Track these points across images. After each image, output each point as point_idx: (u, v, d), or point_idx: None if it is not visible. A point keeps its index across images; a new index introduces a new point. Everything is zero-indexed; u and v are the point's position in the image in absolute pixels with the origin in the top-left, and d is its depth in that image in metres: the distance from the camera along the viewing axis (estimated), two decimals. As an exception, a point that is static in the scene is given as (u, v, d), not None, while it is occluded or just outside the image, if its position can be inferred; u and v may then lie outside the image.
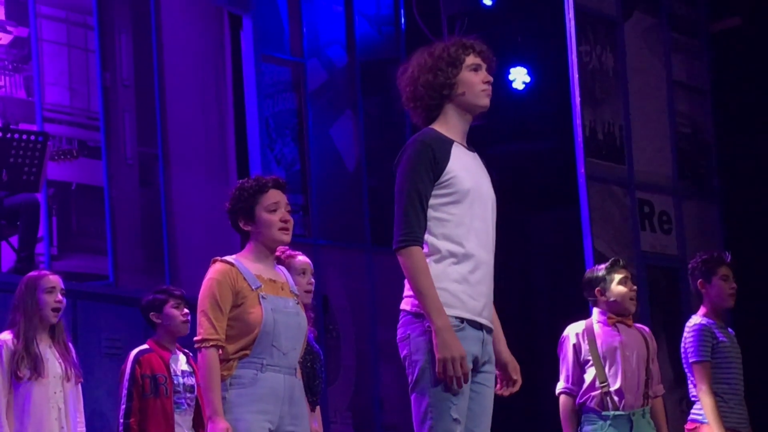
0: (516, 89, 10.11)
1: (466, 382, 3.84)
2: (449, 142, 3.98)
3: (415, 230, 3.90)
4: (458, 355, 3.80)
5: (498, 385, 4.07)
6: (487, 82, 4.02)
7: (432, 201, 3.94)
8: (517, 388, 4.08)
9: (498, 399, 4.07)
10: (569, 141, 9.25)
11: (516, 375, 4.08)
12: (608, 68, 9.56)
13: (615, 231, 9.33)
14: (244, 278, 4.37)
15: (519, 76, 10.12)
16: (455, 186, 3.96)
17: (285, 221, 4.44)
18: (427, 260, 3.93)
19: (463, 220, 3.95)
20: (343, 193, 9.84)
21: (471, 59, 4.04)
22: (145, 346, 6.09)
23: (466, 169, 3.99)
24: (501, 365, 4.06)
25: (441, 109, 4.02)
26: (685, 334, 6.15)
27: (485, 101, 4.02)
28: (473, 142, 4.14)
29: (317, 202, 9.59)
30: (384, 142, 10.10)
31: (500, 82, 9.86)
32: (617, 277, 5.99)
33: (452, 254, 3.93)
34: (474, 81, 4.00)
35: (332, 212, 9.72)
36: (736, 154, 10.07)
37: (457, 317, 3.92)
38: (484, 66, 4.05)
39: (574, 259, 9.19)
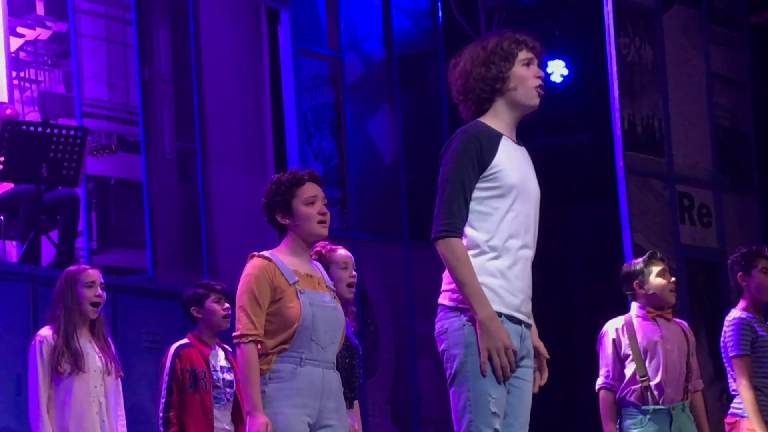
0: (554, 82, 10.11)
1: (513, 371, 3.84)
2: (498, 136, 3.96)
3: (456, 221, 3.89)
4: (503, 344, 3.79)
5: None
6: (539, 77, 4.01)
7: (475, 194, 3.92)
8: (544, 380, 4.04)
9: (537, 394, 4.04)
10: (608, 134, 9.23)
11: (543, 352, 4.03)
12: (647, 61, 9.51)
13: (654, 224, 9.28)
14: (282, 273, 4.38)
15: (557, 69, 10.14)
16: (500, 180, 3.93)
17: (323, 214, 4.45)
18: None
19: (506, 215, 3.94)
20: (380, 187, 9.87)
21: (524, 54, 4.02)
22: (185, 341, 6.11)
23: (513, 163, 3.97)
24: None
25: (491, 103, 4.00)
26: (724, 328, 6.11)
27: (535, 101, 4.00)
28: (516, 135, 4.13)
29: (355, 196, 9.62)
30: (421, 136, 10.11)
31: None
32: (655, 269, 5.98)
33: (492, 249, 3.91)
34: (526, 75, 3.98)
35: (370, 206, 9.75)
36: (777, 147, 10.03)
37: (495, 312, 3.88)
38: (536, 61, 4.04)
39: (612, 253, 9.15)
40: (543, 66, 4.07)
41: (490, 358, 3.79)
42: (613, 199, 9.14)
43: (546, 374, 4.02)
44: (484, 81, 3.98)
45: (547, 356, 4.02)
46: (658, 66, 9.60)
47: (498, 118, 3.99)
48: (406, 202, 9.87)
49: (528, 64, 4.00)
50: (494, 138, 3.95)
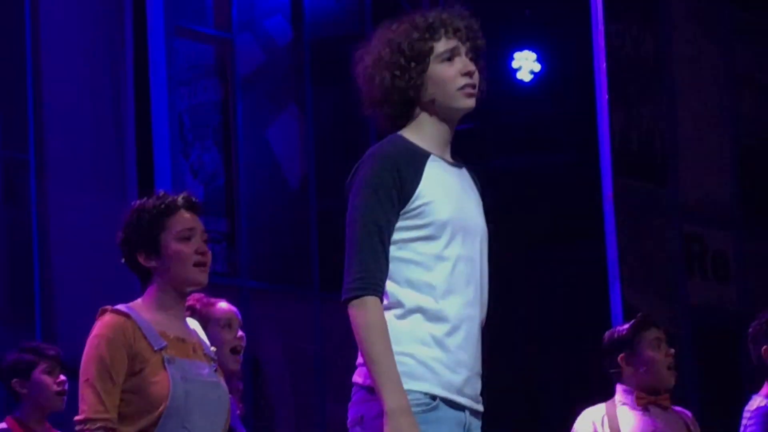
0: (522, 81, 10.16)
1: None
2: (423, 156, 4.03)
3: (374, 275, 3.93)
4: None
5: None
6: (468, 74, 4.06)
7: (396, 236, 3.97)
8: None
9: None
10: (592, 153, 9.33)
11: None
12: (648, 56, 9.68)
13: (652, 276, 9.43)
14: (144, 336, 4.40)
15: (526, 64, 10.19)
16: (429, 215, 3.99)
17: (202, 254, 4.49)
18: (386, 316, 3.93)
19: (440, 263, 3.97)
20: (283, 219, 9.88)
21: (443, 45, 4.07)
22: (2, 426, 6.06)
23: (446, 191, 4.03)
24: None
25: (409, 115, 4.09)
26: (744, 420, 6.22)
27: (464, 102, 4.07)
28: (462, 153, 4.18)
29: (248, 229, 9.61)
30: (341, 148, 10.17)
31: (500, 72, 10.01)
32: (648, 338, 6.06)
33: (421, 309, 3.94)
34: (446, 76, 4.05)
35: (268, 244, 9.76)
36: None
37: (426, 393, 3.93)
38: (462, 49, 4.09)
39: (597, 313, 9.21)
40: (480, 49, 4.12)
41: None
42: (598, 241, 9.24)
43: None
44: (393, 90, 4.04)
45: None
46: (662, 63, 9.75)
47: (422, 132, 4.07)
48: (317, 239, 9.88)
49: (450, 58, 4.06)
50: (418, 158, 4.01)
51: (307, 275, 9.91)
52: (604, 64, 9.30)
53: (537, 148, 10.33)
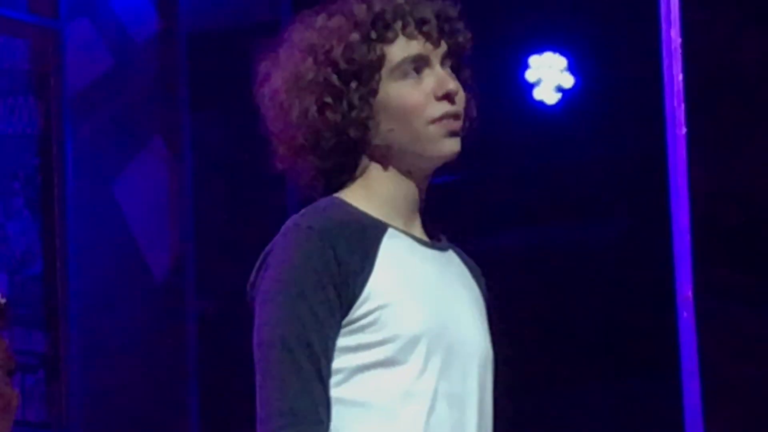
0: (542, 105, 10.17)
1: None
2: (376, 229, 4.14)
3: (305, 422, 4.00)
4: None
5: None
6: (447, 96, 4.15)
7: (336, 362, 4.06)
8: None
9: None
10: (659, 227, 9.19)
11: None
12: (754, 63, 9.51)
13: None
14: None
15: (549, 76, 10.16)
16: (387, 327, 4.06)
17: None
18: None
19: (408, 403, 4.04)
20: (140, 332, 9.96)
21: (400, 50, 4.14)
22: None
23: (413, 288, 4.13)
24: None
25: (352, 167, 4.22)
26: None
27: (442, 145, 4.15)
28: (446, 228, 4.33)
29: (81, 351, 9.70)
30: (239, 213, 10.21)
31: (506, 89, 10.32)
32: None
33: None
34: (411, 102, 4.13)
35: (114, 376, 9.78)
36: None
37: None
38: (435, 54, 4.17)
39: None
40: (464, 52, 4.23)
41: None
42: (667, 384, 9.16)
43: None
44: (323, 128, 4.15)
45: None
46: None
47: (373, 192, 4.19)
48: (196, 369, 9.99)
49: (417, 68, 4.14)
50: (368, 234, 4.12)
51: (182, 419, 9.99)
52: (681, 75, 8.99)
53: (565, 218, 10.29)
